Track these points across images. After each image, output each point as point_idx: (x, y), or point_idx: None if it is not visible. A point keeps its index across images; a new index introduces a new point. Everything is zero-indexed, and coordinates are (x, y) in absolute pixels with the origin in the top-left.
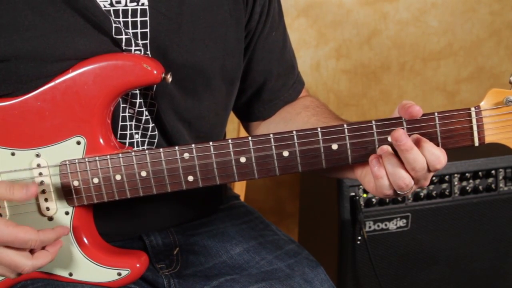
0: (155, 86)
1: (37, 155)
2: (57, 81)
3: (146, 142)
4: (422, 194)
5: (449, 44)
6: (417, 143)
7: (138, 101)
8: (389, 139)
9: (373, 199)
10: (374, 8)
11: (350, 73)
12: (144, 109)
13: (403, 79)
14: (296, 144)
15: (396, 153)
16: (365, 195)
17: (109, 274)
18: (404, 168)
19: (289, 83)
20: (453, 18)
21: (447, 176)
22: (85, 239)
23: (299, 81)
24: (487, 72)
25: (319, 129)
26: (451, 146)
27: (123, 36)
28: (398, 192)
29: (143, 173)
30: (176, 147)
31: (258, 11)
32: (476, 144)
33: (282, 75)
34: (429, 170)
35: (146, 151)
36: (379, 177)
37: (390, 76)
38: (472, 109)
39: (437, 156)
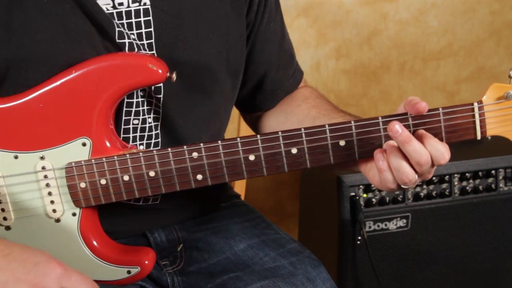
0: (162, 90)
1: (42, 158)
2: (60, 81)
3: None
4: (422, 194)
5: (449, 44)
6: (422, 139)
7: (141, 108)
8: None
9: (373, 199)
10: (374, 8)
11: (350, 73)
12: (147, 116)
13: (403, 79)
14: (304, 141)
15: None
16: (365, 195)
17: (118, 273)
18: (409, 163)
19: (289, 72)
20: (453, 18)
21: (447, 176)
22: (93, 239)
23: (299, 70)
24: (487, 72)
25: (327, 126)
26: (454, 140)
27: (126, 40)
28: (402, 186)
29: (152, 173)
30: (185, 147)
31: (257, 2)
32: (478, 137)
33: (282, 65)
34: (432, 165)
35: (154, 151)
36: (382, 170)
37: (390, 76)
38: (475, 104)
39: (441, 152)
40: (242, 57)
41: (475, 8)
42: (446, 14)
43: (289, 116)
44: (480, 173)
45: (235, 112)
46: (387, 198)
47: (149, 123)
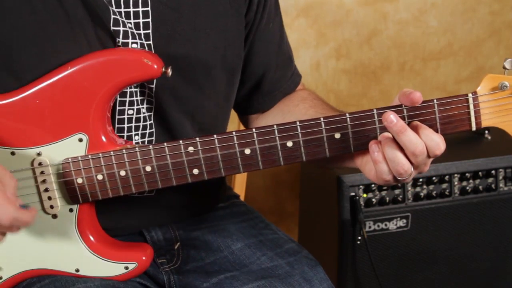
0: (154, 80)
1: (38, 154)
2: (56, 78)
3: (146, 142)
4: (422, 194)
5: (449, 44)
6: (416, 129)
7: (135, 98)
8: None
9: (373, 199)
10: (374, 8)
11: (350, 73)
12: (141, 106)
13: (403, 79)
14: (300, 134)
15: (396, 140)
16: (365, 195)
17: (116, 268)
18: (404, 153)
19: (287, 74)
20: (453, 18)
21: (447, 176)
22: (90, 235)
23: (297, 73)
24: (487, 72)
25: (322, 119)
26: (450, 132)
27: (121, 28)
28: (398, 178)
29: (148, 168)
30: (181, 141)
31: (256, 2)
32: (474, 128)
33: (281, 66)
34: (428, 156)
35: (150, 146)
36: (378, 162)
37: (390, 76)
38: (470, 95)
39: (437, 142)
40: (239, 55)
41: (475, 8)
42: (446, 14)
43: (286, 116)
44: (480, 173)
45: (235, 112)
46: (387, 198)
47: (143, 113)
